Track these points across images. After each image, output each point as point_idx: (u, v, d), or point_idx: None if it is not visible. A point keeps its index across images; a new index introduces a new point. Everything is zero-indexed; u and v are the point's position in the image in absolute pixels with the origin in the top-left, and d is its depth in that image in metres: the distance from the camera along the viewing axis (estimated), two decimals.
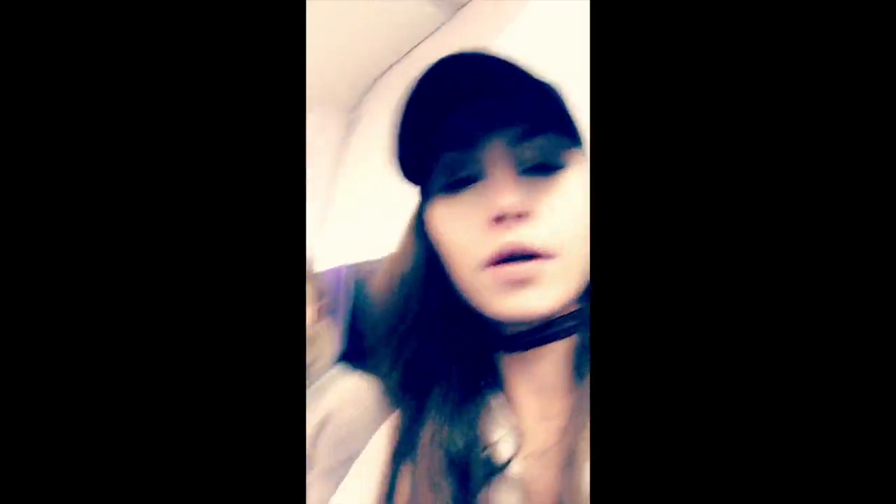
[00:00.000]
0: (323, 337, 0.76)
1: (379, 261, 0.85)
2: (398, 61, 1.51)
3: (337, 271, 0.86)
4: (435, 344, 0.35)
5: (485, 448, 0.33)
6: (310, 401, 0.70)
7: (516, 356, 0.35)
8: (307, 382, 0.72)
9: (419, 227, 0.36)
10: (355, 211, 1.47)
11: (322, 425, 0.66)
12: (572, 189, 0.31)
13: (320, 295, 0.75)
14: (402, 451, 0.35)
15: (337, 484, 0.40)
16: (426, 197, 0.35)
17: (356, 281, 0.84)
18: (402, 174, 0.35)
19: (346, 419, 0.66)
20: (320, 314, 0.75)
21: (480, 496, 0.31)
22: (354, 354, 0.78)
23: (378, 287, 0.38)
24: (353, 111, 1.68)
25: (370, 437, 0.42)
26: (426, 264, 0.35)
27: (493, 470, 0.32)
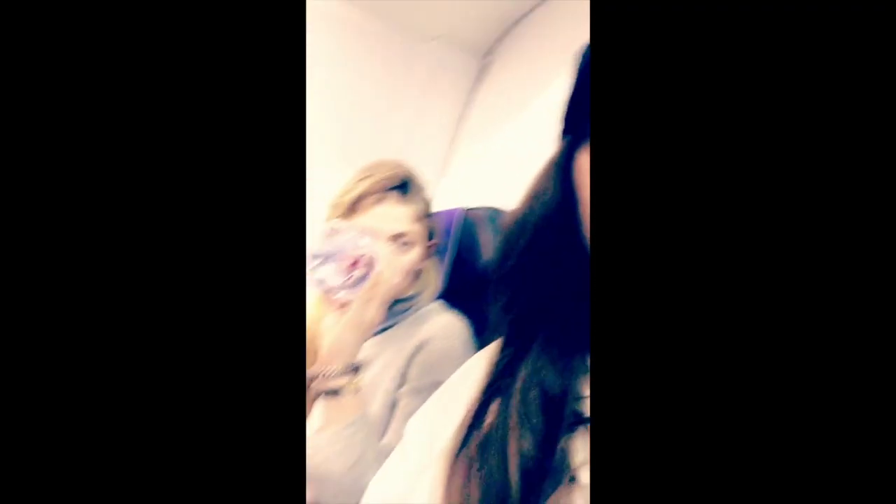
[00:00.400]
0: (429, 272, 0.81)
1: (489, 208, 0.86)
2: (535, 8, 1.44)
3: (450, 214, 0.89)
4: (551, 287, 0.36)
5: (576, 399, 0.34)
6: (409, 326, 0.76)
7: None
8: (409, 310, 0.78)
9: (560, 171, 0.36)
10: (479, 156, 1.47)
11: (418, 349, 0.72)
12: None
13: (432, 234, 0.79)
14: (496, 384, 0.37)
15: (423, 402, 0.44)
16: (576, 143, 0.35)
17: (466, 225, 0.87)
18: (564, 121, 0.34)
19: (439, 349, 0.71)
20: (429, 252, 0.79)
21: (561, 441, 0.32)
22: (452, 296, 0.82)
23: (509, 223, 0.38)
24: (486, 56, 1.65)
25: (458, 369, 0.45)
26: (560, 209, 0.35)
27: (579, 421, 0.33)
